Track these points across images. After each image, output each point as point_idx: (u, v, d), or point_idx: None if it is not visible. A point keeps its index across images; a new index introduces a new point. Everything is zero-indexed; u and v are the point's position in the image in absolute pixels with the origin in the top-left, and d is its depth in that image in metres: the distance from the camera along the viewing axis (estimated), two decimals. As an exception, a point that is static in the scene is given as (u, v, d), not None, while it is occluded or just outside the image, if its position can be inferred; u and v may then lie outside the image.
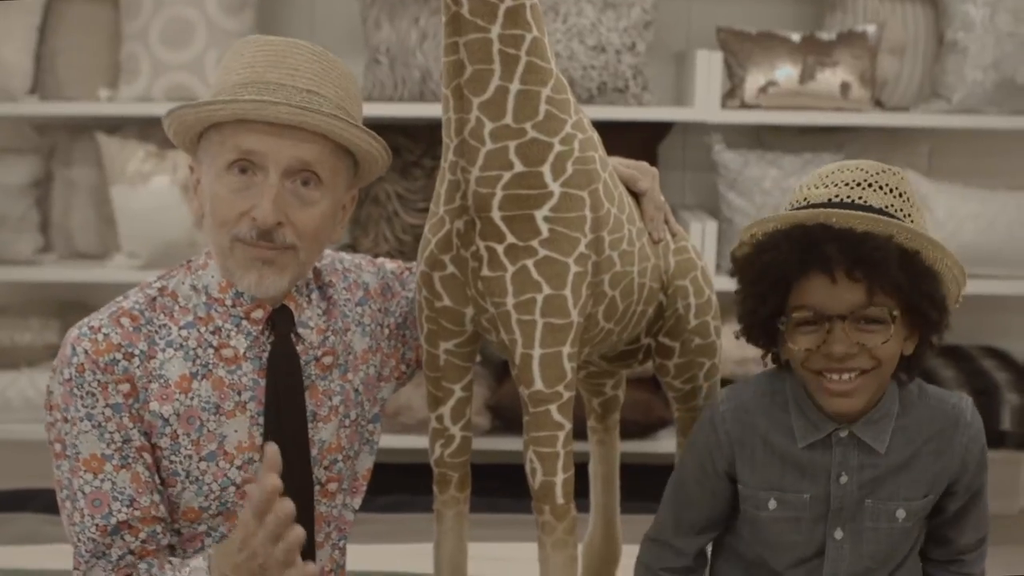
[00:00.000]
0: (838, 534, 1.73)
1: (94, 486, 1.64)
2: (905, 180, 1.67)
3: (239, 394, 1.70)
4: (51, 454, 1.68)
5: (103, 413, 1.63)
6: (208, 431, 1.68)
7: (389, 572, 2.11)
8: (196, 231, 3.57)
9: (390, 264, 1.97)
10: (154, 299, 1.70)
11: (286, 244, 1.64)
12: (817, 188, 1.67)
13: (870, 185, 1.64)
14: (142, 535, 1.65)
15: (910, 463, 1.70)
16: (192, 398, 1.67)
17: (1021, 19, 3.57)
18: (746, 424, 1.74)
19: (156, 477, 1.67)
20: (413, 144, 3.63)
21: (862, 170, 1.65)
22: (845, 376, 1.61)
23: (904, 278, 1.58)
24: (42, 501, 3.58)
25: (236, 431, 1.69)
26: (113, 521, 1.64)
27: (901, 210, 1.63)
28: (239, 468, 1.70)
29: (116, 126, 3.74)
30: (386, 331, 1.89)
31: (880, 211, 1.62)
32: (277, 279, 1.66)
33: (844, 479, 1.70)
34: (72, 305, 3.91)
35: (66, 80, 3.70)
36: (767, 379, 1.77)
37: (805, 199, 1.67)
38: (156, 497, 1.66)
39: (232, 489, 1.70)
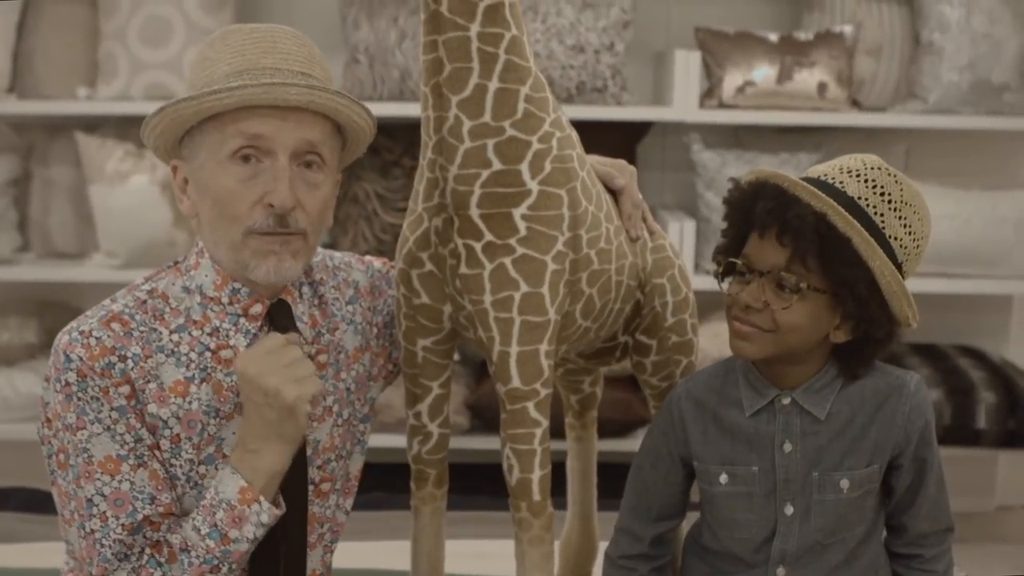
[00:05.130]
0: (788, 509, 1.76)
1: (113, 487, 1.60)
2: (899, 185, 1.67)
3: (237, 395, 1.67)
4: (52, 467, 1.65)
5: (110, 416, 1.60)
6: (208, 434, 1.66)
7: (367, 569, 2.11)
8: (175, 230, 3.56)
9: (377, 262, 1.96)
10: (144, 301, 1.66)
11: (298, 228, 1.63)
12: (821, 167, 1.71)
13: (858, 175, 1.67)
14: (163, 528, 1.63)
15: (851, 430, 1.75)
16: (191, 402, 1.64)
17: (996, 20, 3.59)
18: (698, 402, 1.81)
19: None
20: (392, 143, 3.63)
21: (863, 162, 1.69)
22: (747, 328, 1.69)
23: (824, 257, 1.63)
24: (20, 500, 3.56)
25: (235, 433, 1.67)
26: (139, 517, 1.60)
27: (874, 207, 1.65)
28: None
29: (95, 125, 3.72)
30: (375, 330, 1.88)
31: (850, 199, 1.64)
32: (292, 263, 1.64)
33: (788, 447, 1.74)
34: (51, 304, 3.90)
35: (44, 79, 3.68)
36: (723, 363, 1.84)
37: (807, 174, 1.72)
38: (173, 494, 1.64)
39: None
